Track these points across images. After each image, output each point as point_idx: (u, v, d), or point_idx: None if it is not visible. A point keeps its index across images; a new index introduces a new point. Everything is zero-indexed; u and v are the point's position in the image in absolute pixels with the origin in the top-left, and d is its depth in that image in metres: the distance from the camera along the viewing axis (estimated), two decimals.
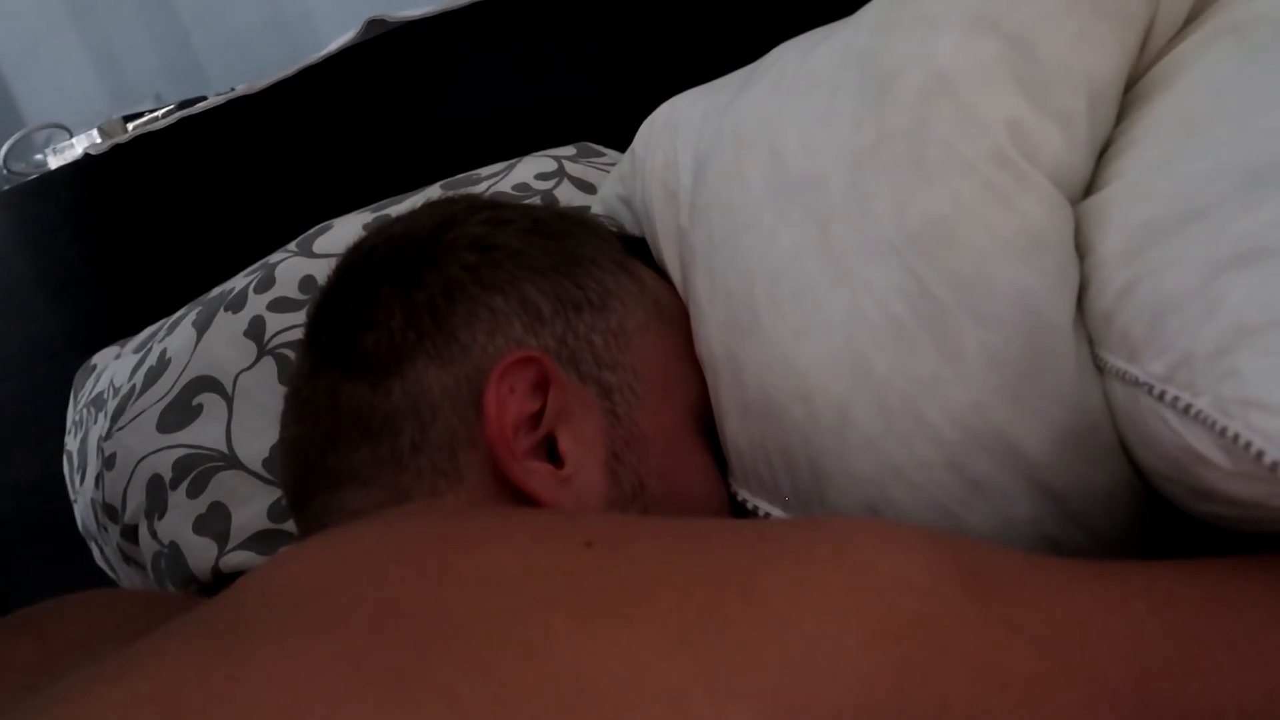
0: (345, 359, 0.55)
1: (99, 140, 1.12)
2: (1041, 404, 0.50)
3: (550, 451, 0.54)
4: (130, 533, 0.75)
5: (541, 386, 0.53)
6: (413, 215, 0.61)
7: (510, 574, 0.38)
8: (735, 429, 0.58)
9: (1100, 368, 0.50)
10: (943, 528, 0.51)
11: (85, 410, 0.86)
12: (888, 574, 0.39)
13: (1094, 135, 0.54)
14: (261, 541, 0.69)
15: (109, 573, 0.85)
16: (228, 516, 0.70)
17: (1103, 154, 0.55)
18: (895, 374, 0.52)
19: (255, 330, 0.75)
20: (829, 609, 0.38)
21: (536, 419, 0.53)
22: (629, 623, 0.37)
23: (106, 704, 0.34)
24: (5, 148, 1.17)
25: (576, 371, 0.55)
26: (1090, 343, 0.51)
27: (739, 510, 0.59)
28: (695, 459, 0.59)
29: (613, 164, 0.84)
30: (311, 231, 0.83)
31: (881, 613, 0.38)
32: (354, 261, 0.59)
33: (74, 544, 0.92)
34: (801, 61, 0.61)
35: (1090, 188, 0.54)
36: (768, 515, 0.57)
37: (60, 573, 1.11)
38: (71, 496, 0.86)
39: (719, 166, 0.61)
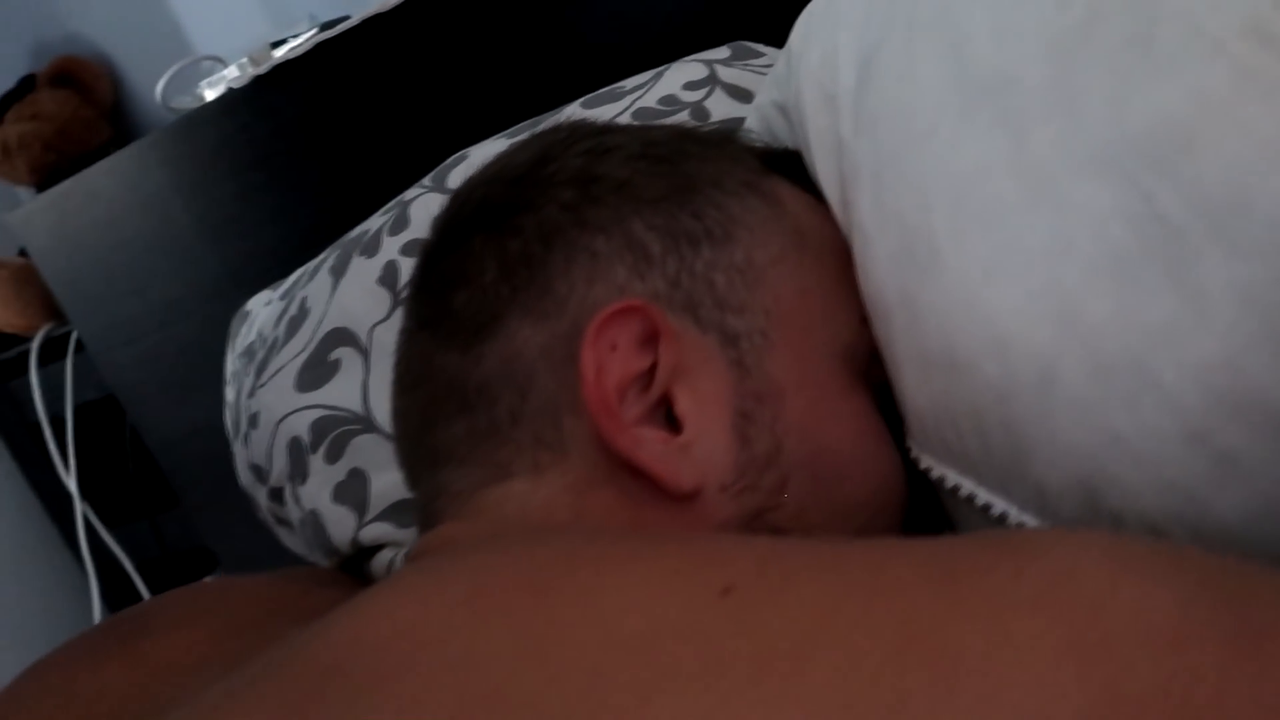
0: (436, 324, 0.49)
1: (249, 70, 1.09)
2: None
3: (670, 415, 0.46)
4: (277, 495, 0.72)
5: (651, 340, 0.46)
6: (512, 150, 0.54)
7: (632, 637, 0.30)
8: (913, 384, 0.48)
9: None
10: (1183, 514, 0.41)
11: (241, 360, 0.84)
12: (1121, 620, 0.29)
13: None
14: (400, 512, 0.64)
15: (271, 529, 0.83)
16: (366, 483, 0.65)
17: None
18: (1116, 320, 0.41)
19: (389, 277, 0.70)
20: (1040, 678, 0.28)
21: (649, 378, 0.46)
22: (780, 701, 0.28)
23: None
24: (161, 84, 1.15)
25: (693, 318, 0.47)
26: None
27: (918, 478, 0.49)
28: (848, 413, 0.49)
29: (773, 65, 0.74)
30: (447, 163, 0.77)
31: (1112, 677, 0.28)
32: (449, 211, 0.53)
33: None
34: None
35: None
36: (957, 489, 0.47)
37: (252, 514, 1.12)
38: (234, 450, 0.84)
39: (889, 62, 0.50)
